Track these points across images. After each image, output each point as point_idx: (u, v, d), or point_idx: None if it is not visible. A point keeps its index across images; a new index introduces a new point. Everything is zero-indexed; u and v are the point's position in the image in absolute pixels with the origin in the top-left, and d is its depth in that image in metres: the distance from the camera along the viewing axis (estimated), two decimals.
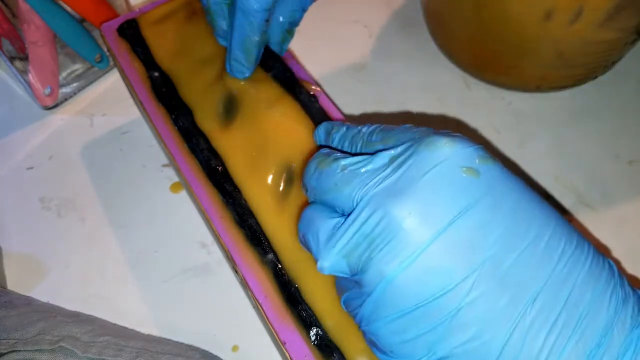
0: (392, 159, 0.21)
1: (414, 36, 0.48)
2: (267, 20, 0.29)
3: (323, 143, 0.28)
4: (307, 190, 0.25)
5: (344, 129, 0.26)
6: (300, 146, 0.30)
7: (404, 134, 0.23)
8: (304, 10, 0.32)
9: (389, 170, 0.21)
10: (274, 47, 0.34)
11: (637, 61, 0.46)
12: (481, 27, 0.40)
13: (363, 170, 0.22)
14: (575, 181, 0.40)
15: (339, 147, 0.26)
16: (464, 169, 0.20)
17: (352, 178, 0.22)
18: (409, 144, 0.22)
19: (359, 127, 0.26)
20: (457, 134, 0.21)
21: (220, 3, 0.31)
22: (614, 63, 0.43)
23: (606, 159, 0.41)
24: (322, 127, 0.29)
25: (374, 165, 0.22)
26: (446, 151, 0.20)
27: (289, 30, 0.33)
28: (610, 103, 0.44)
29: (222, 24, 0.32)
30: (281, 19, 0.32)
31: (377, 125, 0.25)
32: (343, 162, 0.23)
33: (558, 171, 0.40)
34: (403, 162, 0.21)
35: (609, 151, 0.41)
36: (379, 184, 0.21)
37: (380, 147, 0.23)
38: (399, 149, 0.22)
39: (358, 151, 0.25)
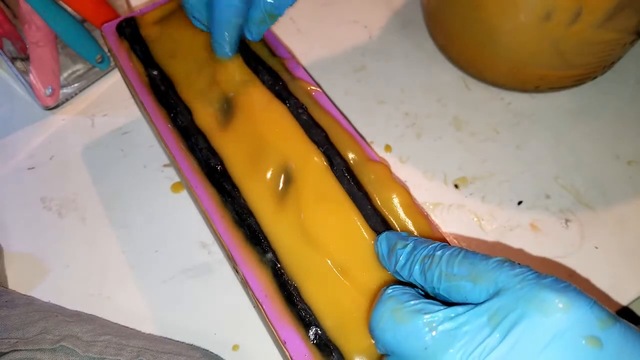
0: (492, 317, 0.19)
1: (414, 36, 0.48)
2: (246, 3, 0.29)
3: (386, 259, 0.25)
4: (377, 342, 0.22)
5: (411, 245, 0.24)
6: (299, 146, 0.30)
7: (497, 271, 0.20)
8: None
9: (494, 335, 0.18)
10: (252, 28, 0.32)
11: (636, 61, 0.46)
12: (480, 27, 0.40)
13: (460, 331, 0.19)
14: (574, 181, 0.40)
15: (408, 274, 0.23)
16: (586, 338, 0.18)
17: (448, 344, 0.19)
18: (509, 295, 0.19)
19: (431, 247, 0.23)
20: (564, 284, 0.19)
21: None
22: (613, 63, 0.43)
23: (606, 159, 0.41)
24: (384, 239, 0.26)
25: (470, 325, 0.19)
26: (563, 318, 0.18)
27: (270, 13, 0.32)
28: (610, 103, 0.44)
29: (200, 9, 0.32)
30: None
31: (454, 248, 0.22)
32: (429, 317, 0.20)
33: (558, 171, 0.40)
34: (510, 327, 0.18)
35: (609, 151, 0.41)
36: (486, 355, 0.18)
37: (467, 285, 0.20)
38: (498, 302, 0.19)
39: (435, 286, 0.22)
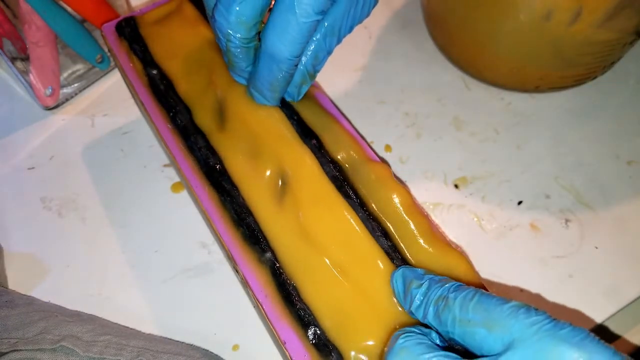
0: None
1: (414, 36, 0.48)
2: (295, 65, 0.28)
3: (402, 298, 0.25)
4: None
5: (426, 284, 0.23)
6: (292, 149, 0.30)
7: (512, 319, 0.19)
8: (329, 53, 0.30)
9: None
10: (291, 90, 0.31)
11: (636, 61, 0.46)
12: (480, 27, 0.40)
13: None
14: (574, 181, 0.40)
15: (423, 316, 0.23)
16: None
17: None
18: (525, 349, 0.18)
19: (445, 288, 0.22)
20: (582, 334, 0.18)
21: (244, 47, 0.28)
22: (613, 63, 0.43)
23: (605, 159, 0.41)
24: (400, 276, 0.25)
25: None
26: None
27: (311, 74, 0.30)
28: (610, 103, 0.44)
29: (243, 65, 0.30)
30: (304, 59, 0.29)
31: (467, 290, 0.21)
32: None
33: (558, 171, 0.40)
34: None
35: (609, 151, 0.41)
36: None
37: (481, 332, 0.20)
38: (513, 357, 0.18)
39: (450, 330, 0.21)
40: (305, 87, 0.31)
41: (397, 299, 0.25)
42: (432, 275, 0.24)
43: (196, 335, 0.34)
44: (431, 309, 0.22)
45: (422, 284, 0.23)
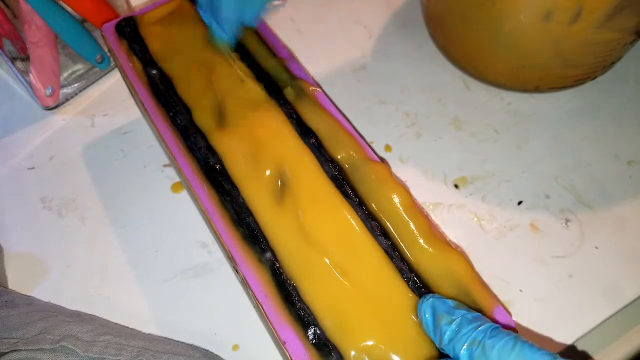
0: None
1: (414, 36, 0.48)
2: None
3: (431, 332, 0.24)
4: None
5: (458, 322, 0.22)
6: (292, 149, 0.30)
7: None
8: None
9: None
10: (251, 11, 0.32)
11: (636, 61, 0.46)
12: (480, 27, 0.40)
13: None
14: (574, 181, 0.40)
15: (454, 355, 0.22)
16: None
17: None
18: None
19: (480, 330, 0.21)
20: None
21: None
22: (613, 63, 0.43)
23: (605, 159, 0.41)
24: (429, 307, 0.24)
25: None
26: None
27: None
28: (610, 103, 0.44)
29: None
30: None
31: (506, 338, 0.20)
32: None
33: (557, 171, 0.40)
34: None
35: (608, 151, 0.41)
36: None
37: None
38: None
39: None
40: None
41: (424, 330, 0.25)
42: (464, 311, 0.23)
43: (196, 335, 0.34)
44: (464, 352, 0.21)
45: (453, 320, 0.22)
